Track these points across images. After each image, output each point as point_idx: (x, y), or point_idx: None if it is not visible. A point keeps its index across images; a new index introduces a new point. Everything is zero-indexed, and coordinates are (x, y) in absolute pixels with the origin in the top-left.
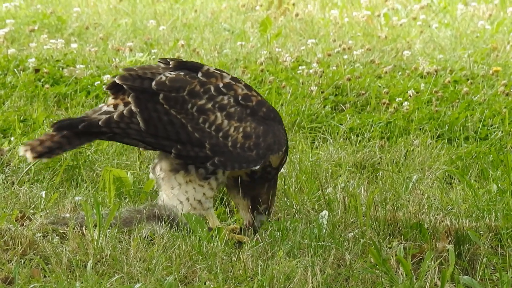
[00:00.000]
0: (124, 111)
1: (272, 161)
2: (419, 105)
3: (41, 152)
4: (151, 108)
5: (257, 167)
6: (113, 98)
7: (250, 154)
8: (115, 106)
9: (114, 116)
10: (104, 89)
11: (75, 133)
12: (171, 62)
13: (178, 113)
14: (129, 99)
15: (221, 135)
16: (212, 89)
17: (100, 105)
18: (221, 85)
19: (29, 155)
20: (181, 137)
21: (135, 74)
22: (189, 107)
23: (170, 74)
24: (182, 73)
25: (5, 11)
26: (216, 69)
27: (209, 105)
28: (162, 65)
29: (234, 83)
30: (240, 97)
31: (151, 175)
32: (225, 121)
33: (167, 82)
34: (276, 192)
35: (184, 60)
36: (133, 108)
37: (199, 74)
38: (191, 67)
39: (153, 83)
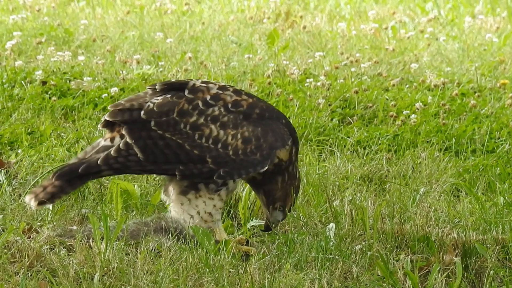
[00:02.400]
0: (120, 145)
1: (282, 156)
2: (427, 118)
3: (43, 199)
4: (146, 136)
5: (265, 168)
6: (109, 132)
7: (254, 158)
8: (112, 139)
9: (111, 152)
10: (99, 128)
11: (76, 176)
12: (157, 86)
13: (172, 135)
14: (123, 131)
15: (220, 146)
16: (200, 103)
17: (97, 141)
18: (208, 97)
19: (32, 203)
20: (181, 158)
21: (123, 108)
22: (182, 127)
23: (157, 99)
24: (168, 96)
25: (12, 23)
26: (202, 82)
27: (201, 120)
28: (150, 92)
29: (221, 92)
30: (230, 105)
31: (163, 197)
32: (220, 131)
33: (155, 108)
34: (297, 188)
35: (170, 81)
36: (128, 140)
37: (186, 92)
38: (178, 86)
39: (142, 112)
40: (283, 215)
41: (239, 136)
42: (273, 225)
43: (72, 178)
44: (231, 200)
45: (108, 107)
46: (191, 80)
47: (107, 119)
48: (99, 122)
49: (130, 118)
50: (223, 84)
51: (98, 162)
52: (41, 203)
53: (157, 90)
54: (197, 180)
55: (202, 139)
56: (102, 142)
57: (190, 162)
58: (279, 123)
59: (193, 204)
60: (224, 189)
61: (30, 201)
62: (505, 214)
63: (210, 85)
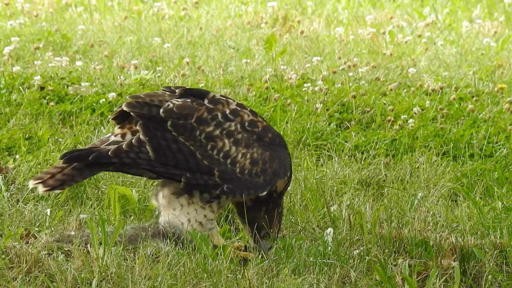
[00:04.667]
0: (133, 140)
1: (278, 186)
2: (424, 122)
3: (53, 185)
4: (160, 136)
5: (264, 193)
6: (119, 128)
7: (257, 180)
8: (123, 136)
9: (123, 146)
10: (109, 119)
11: (86, 164)
12: (176, 90)
13: (186, 140)
14: (137, 127)
15: (229, 162)
16: (220, 115)
17: (107, 135)
18: (227, 111)
19: (40, 188)
20: (190, 165)
21: (142, 101)
22: (197, 134)
23: (177, 101)
24: (189, 100)
25: (10, 28)
26: (221, 96)
27: (217, 132)
28: (168, 93)
29: (240, 109)
30: (246, 123)
31: (154, 202)
32: (232, 147)
33: (174, 109)
34: (281, 217)
35: (189, 87)
36: (141, 136)
37: (206, 101)
38: (197, 94)
39: (161, 110)
40: (268, 242)
41: (248, 156)
42: (264, 252)
43: (81, 167)
44: (229, 205)
45: (127, 97)
46: (211, 91)
47: (125, 109)
48: (96, 127)
49: (148, 113)
50: (239, 102)
51: (109, 153)
52: (50, 189)
53: (176, 93)
54: (199, 189)
55: (214, 151)
56: (113, 138)
57: (198, 172)
58: (286, 152)
59: (185, 211)
60: (216, 202)
61: (36, 185)
62: (503, 218)
63: (230, 100)
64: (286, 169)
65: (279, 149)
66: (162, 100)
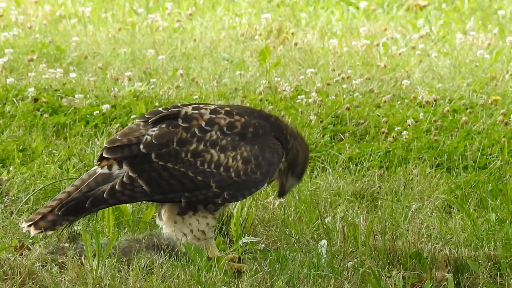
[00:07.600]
0: (124, 179)
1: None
2: (418, 134)
3: (45, 227)
4: (149, 168)
5: (265, 186)
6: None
7: (255, 177)
8: (110, 167)
9: (116, 187)
10: (95, 163)
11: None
12: (149, 120)
13: (175, 165)
14: (124, 167)
15: (222, 170)
16: (197, 131)
17: (93, 168)
18: (203, 124)
19: (32, 230)
20: (186, 186)
21: (120, 143)
22: (183, 156)
23: (153, 131)
24: (164, 126)
25: (3, 40)
26: (193, 108)
27: (201, 147)
28: (142, 123)
29: (214, 116)
30: (225, 128)
31: (158, 221)
32: (221, 155)
33: (153, 140)
34: (306, 154)
35: (160, 110)
36: (131, 174)
37: (180, 121)
38: (171, 116)
39: (141, 146)
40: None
41: (238, 157)
42: (287, 191)
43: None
44: (223, 217)
45: (105, 144)
46: (180, 107)
47: (106, 156)
48: (90, 139)
49: (129, 153)
50: (212, 106)
51: (104, 195)
52: (42, 231)
53: (149, 122)
54: (201, 203)
55: (204, 165)
56: (99, 170)
57: (196, 189)
58: (272, 137)
59: (187, 222)
60: (221, 208)
61: (28, 228)
62: (497, 230)
63: (202, 111)
64: (279, 154)
65: (265, 138)
66: (139, 135)
